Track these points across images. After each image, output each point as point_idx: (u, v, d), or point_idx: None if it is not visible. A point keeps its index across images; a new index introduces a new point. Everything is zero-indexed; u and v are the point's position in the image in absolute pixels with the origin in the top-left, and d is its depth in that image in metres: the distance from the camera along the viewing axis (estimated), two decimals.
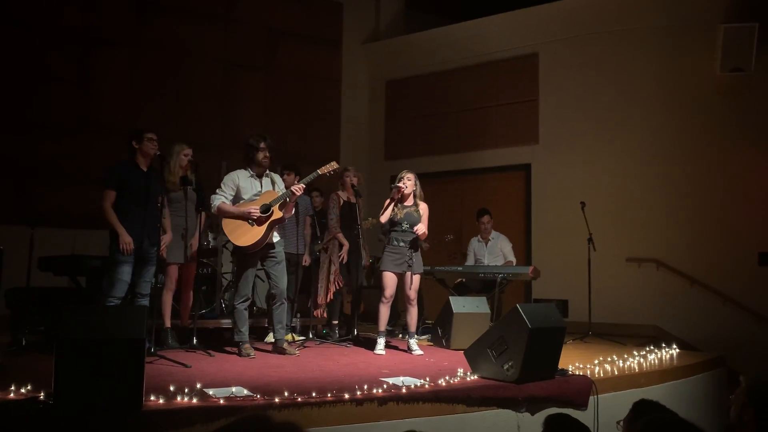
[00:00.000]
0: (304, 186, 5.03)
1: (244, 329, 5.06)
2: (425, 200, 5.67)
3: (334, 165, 5.24)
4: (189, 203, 5.34)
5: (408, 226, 5.47)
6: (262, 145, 5.07)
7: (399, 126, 10.18)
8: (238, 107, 9.22)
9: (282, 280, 5.16)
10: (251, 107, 9.33)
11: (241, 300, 5.04)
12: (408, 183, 5.53)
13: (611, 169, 8.29)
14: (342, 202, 6.25)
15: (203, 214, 5.49)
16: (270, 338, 5.71)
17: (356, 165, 7.13)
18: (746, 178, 7.74)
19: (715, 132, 7.89)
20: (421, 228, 5.43)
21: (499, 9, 9.13)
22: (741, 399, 2.19)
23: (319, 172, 5.15)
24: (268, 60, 9.53)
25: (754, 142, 7.74)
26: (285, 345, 5.21)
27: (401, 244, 5.46)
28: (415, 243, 5.49)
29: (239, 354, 4.98)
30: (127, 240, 4.62)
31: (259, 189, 5.10)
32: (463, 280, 7.24)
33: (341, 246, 6.16)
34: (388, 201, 5.53)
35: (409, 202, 5.57)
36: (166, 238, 5.07)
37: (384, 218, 5.50)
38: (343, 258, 6.13)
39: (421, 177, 5.72)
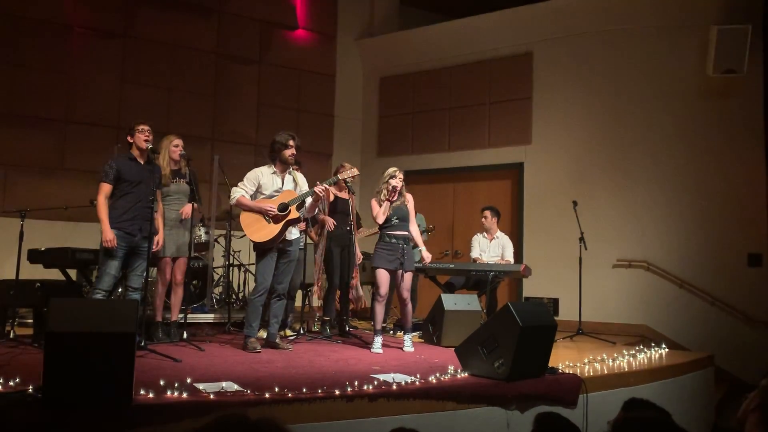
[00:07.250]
0: (327, 187, 5.24)
1: (255, 324, 5.07)
2: (414, 197, 5.73)
3: (355, 171, 5.60)
4: (181, 197, 5.32)
5: (398, 220, 5.43)
6: (291, 143, 5.14)
7: (392, 123, 10.16)
8: (231, 101, 9.18)
9: (286, 278, 5.21)
10: (244, 101, 9.29)
11: (258, 294, 5.05)
12: (400, 182, 5.48)
13: (603, 169, 8.31)
14: (333, 197, 6.23)
15: (195, 207, 5.44)
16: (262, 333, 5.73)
17: (349, 160, 7.11)
18: (736, 180, 7.77)
19: (706, 133, 7.92)
20: (418, 235, 5.68)
21: (494, 7, 9.11)
22: (755, 399, 2.23)
23: (339, 177, 5.56)
24: (261, 54, 9.48)
25: (745, 143, 7.78)
26: (278, 339, 5.21)
27: (393, 240, 5.42)
28: (407, 239, 5.46)
29: (245, 347, 4.98)
30: (109, 237, 4.63)
31: (280, 186, 5.14)
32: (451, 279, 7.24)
33: (324, 230, 6.13)
34: (384, 203, 5.40)
35: (395, 196, 5.53)
36: (156, 236, 5.01)
37: (381, 220, 5.46)
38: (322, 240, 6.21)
39: (413, 174, 5.76)
